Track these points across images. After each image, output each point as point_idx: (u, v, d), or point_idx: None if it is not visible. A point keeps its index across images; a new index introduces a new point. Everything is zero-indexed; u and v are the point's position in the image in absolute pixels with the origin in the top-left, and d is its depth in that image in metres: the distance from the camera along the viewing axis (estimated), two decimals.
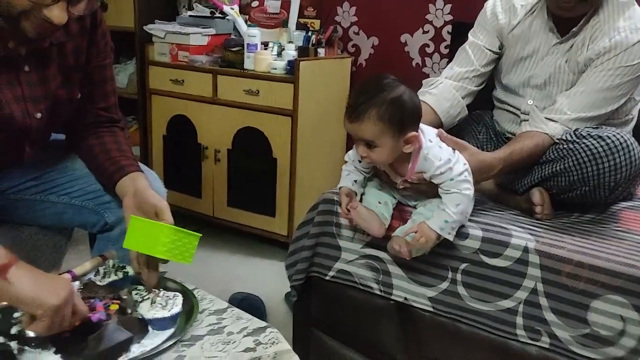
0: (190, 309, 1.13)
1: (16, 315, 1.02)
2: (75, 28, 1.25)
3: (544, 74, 1.64)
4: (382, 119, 1.26)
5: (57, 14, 1.05)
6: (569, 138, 1.41)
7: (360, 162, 1.40)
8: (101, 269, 1.20)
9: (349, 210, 1.40)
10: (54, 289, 0.94)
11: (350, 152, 1.45)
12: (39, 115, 1.25)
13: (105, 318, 1.02)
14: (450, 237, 1.33)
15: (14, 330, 0.99)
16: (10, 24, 1.08)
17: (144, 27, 2.73)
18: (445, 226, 1.31)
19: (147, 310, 1.06)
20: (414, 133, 1.30)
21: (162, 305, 1.06)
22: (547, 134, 1.52)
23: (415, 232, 1.32)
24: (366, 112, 1.26)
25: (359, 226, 1.43)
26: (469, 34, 1.79)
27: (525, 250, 1.30)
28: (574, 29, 1.58)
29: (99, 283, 1.16)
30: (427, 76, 2.53)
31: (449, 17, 2.46)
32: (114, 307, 1.05)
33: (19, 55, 1.17)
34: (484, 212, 1.47)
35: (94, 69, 1.34)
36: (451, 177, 1.31)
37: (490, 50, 1.73)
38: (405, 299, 1.45)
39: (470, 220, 1.40)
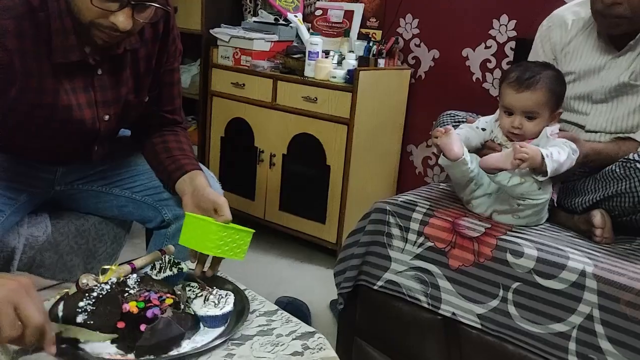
0: (241, 309, 1.15)
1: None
2: (148, 34, 1.30)
3: (606, 87, 1.60)
4: (552, 90, 1.44)
5: (122, 20, 1.10)
6: (636, 158, 1.36)
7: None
8: (157, 264, 1.24)
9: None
10: None
11: (481, 119, 1.59)
12: (106, 117, 1.31)
13: (159, 313, 1.05)
14: (549, 167, 1.33)
15: (79, 319, 1.03)
16: (82, 31, 1.14)
17: (210, 31, 2.81)
18: (549, 157, 1.34)
19: (200, 307, 1.08)
20: (560, 111, 1.50)
21: (215, 304, 1.08)
22: (637, 141, 1.51)
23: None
24: (539, 82, 1.43)
25: (440, 146, 1.42)
26: None
27: (582, 274, 1.26)
28: (631, 42, 1.54)
29: (154, 277, 1.20)
30: (487, 91, 2.52)
31: (513, 34, 2.42)
32: (169, 301, 1.08)
33: (95, 59, 1.22)
34: (540, 232, 1.44)
35: (163, 72, 1.39)
36: (564, 141, 1.42)
37: None
38: (454, 314, 1.44)
39: (525, 239, 1.38)
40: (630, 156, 1.37)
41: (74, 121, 1.25)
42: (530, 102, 1.43)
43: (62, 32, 1.15)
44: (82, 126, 1.27)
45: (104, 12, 1.09)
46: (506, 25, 2.45)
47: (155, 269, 1.22)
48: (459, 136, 1.46)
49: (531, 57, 1.78)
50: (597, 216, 1.41)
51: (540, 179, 1.37)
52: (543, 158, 1.32)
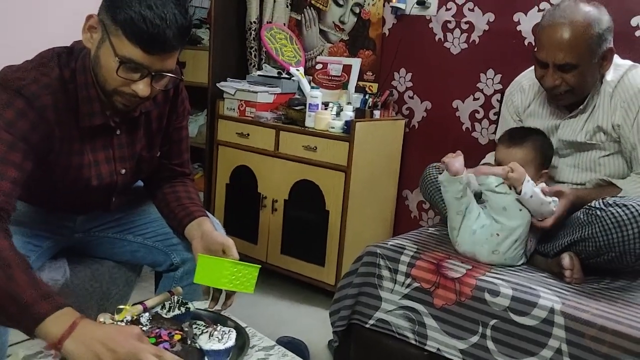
0: (242, 344, 1.28)
1: None
2: (160, 97, 1.46)
3: (565, 144, 1.76)
4: (536, 150, 1.66)
5: (142, 88, 1.25)
6: (597, 205, 1.50)
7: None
8: (167, 304, 1.37)
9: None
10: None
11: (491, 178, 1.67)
12: (123, 171, 1.47)
13: (169, 347, 1.18)
14: (524, 188, 1.54)
15: None
16: (106, 97, 1.31)
17: (217, 84, 2.99)
18: (530, 183, 1.54)
19: (205, 342, 1.21)
20: (546, 171, 1.70)
21: (219, 339, 1.21)
22: (619, 187, 1.66)
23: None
24: (525, 142, 1.66)
25: (445, 162, 1.63)
26: (497, 132, 1.98)
27: (552, 311, 1.39)
28: (580, 107, 1.72)
29: (164, 316, 1.33)
30: (476, 140, 2.68)
31: (499, 86, 2.60)
32: (177, 337, 1.21)
33: (114, 121, 1.39)
34: (516, 273, 1.57)
35: (172, 130, 1.54)
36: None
37: None
38: (438, 349, 1.55)
39: (501, 279, 1.51)
40: (593, 203, 1.51)
41: (95, 177, 1.40)
42: (515, 157, 1.62)
43: (87, 101, 1.31)
44: (101, 181, 1.42)
45: (127, 81, 1.24)
46: (492, 79, 2.62)
47: (165, 309, 1.35)
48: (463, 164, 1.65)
49: (500, 122, 1.97)
50: (566, 259, 1.54)
51: (515, 195, 1.55)
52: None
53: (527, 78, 1.88)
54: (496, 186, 1.57)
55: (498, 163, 1.67)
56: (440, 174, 1.72)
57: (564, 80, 1.64)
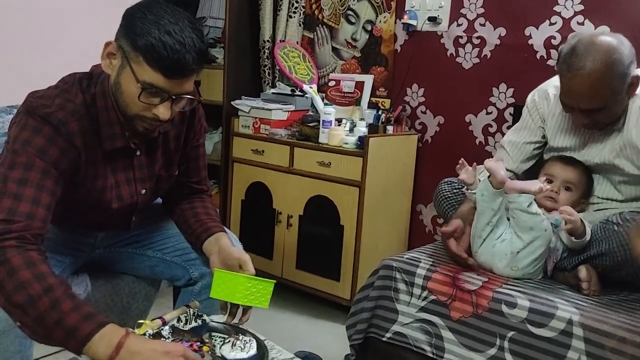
0: (261, 355, 1.29)
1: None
2: (177, 117, 1.47)
3: (590, 162, 1.73)
4: (588, 177, 1.73)
5: (162, 111, 1.27)
6: (614, 220, 1.50)
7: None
8: (182, 317, 1.39)
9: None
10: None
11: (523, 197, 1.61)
12: (143, 191, 1.49)
13: (200, 358, 1.19)
14: (587, 233, 1.58)
15: None
16: (126, 121, 1.34)
17: (232, 102, 3.03)
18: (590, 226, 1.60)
19: (228, 352, 1.24)
20: (586, 201, 1.74)
21: (241, 348, 1.23)
22: None
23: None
24: (582, 165, 1.72)
25: (491, 168, 1.60)
26: (508, 133, 1.96)
27: (570, 322, 1.39)
28: (614, 128, 1.67)
29: (182, 328, 1.35)
30: (489, 154, 2.68)
31: (511, 100, 2.61)
32: (206, 348, 1.23)
33: (134, 143, 1.41)
34: (533, 285, 1.57)
35: (190, 148, 1.56)
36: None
37: (531, 143, 1.88)
38: None
39: (518, 291, 1.51)
40: (610, 218, 1.51)
41: (116, 199, 1.43)
42: (571, 175, 1.66)
43: (108, 124, 1.33)
44: (122, 202, 1.45)
45: (148, 105, 1.26)
46: (505, 93, 2.64)
47: (181, 322, 1.37)
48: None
49: (519, 124, 1.94)
50: (583, 271, 1.54)
51: (542, 217, 1.54)
52: (584, 224, 1.54)
53: (552, 87, 1.83)
54: (527, 206, 1.54)
55: (549, 177, 1.69)
56: (459, 188, 1.72)
57: (592, 119, 1.61)
